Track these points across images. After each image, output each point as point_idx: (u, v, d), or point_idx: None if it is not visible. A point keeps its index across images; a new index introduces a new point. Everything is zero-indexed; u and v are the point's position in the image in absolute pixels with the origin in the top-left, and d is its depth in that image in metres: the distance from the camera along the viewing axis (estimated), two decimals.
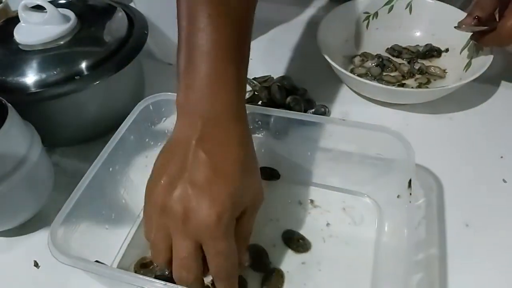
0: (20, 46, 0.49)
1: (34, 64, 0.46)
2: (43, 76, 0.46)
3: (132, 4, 0.58)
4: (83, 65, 0.47)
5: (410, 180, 0.35)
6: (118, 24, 0.52)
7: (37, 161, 0.41)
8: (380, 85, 0.50)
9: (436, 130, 0.51)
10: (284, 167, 0.46)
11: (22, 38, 0.49)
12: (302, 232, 0.41)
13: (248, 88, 0.57)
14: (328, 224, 0.42)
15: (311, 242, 0.41)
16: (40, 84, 0.45)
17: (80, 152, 0.51)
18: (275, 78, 0.59)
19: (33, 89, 0.45)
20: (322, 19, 0.58)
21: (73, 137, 0.52)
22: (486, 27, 0.49)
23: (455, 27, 0.52)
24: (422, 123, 0.52)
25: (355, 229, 0.42)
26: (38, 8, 0.50)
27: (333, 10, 0.59)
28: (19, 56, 0.48)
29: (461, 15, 0.53)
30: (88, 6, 0.55)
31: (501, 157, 0.47)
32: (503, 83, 0.56)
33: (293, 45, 0.66)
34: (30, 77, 0.45)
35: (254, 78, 0.59)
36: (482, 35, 0.50)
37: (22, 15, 0.49)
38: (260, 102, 0.56)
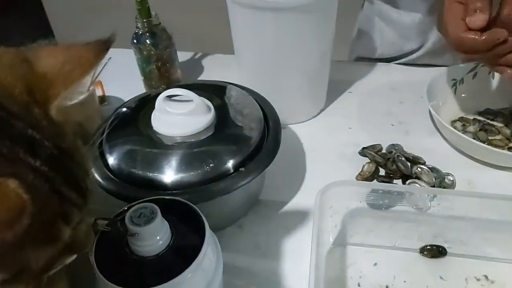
0: (160, 137, 0.47)
1: (188, 159, 0.45)
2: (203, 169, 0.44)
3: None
4: (235, 159, 0.45)
5: None
6: (251, 109, 0.52)
7: (221, 278, 0.39)
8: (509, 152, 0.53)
9: None
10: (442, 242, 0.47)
11: (163, 129, 0.47)
12: None
13: (367, 160, 0.58)
14: None
15: None
16: (204, 179, 0.44)
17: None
18: (383, 146, 0.61)
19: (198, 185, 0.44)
20: (428, 85, 0.61)
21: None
22: None
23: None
24: None
25: None
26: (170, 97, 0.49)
27: (433, 76, 0.63)
28: (165, 150, 0.46)
29: None
30: (208, 88, 0.55)
31: None
32: None
33: (380, 111, 0.68)
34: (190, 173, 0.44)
35: (364, 148, 0.60)
36: None
37: (162, 106, 0.48)
38: (383, 173, 0.57)
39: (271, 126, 0.50)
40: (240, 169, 0.44)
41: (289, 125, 0.66)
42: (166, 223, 0.35)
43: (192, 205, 0.38)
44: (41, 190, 0.20)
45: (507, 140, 0.60)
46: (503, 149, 0.58)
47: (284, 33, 0.55)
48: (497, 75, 0.66)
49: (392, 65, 0.78)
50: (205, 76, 0.79)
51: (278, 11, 0.52)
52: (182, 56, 0.79)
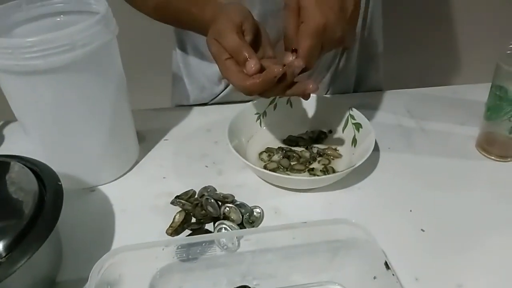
0: None
1: None
2: None
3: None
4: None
5: (386, 262, 0.40)
6: (21, 179, 0.46)
7: None
8: (308, 178, 0.57)
9: (352, 202, 0.59)
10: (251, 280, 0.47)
11: None
12: None
13: (178, 209, 0.56)
14: None
15: None
16: None
17: None
18: (197, 190, 0.60)
19: None
20: (229, 125, 0.63)
21: None
22: None
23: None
24: (342, 199, 0.59)
25: None
26: None
27: (235, 115, 0.65)
28: None
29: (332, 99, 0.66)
30: None
31: (410, 211, 0.57)
32: (380, 147, 0.68)
33: (196, 155, 0.68)
34: None
35: (177, 197, 0.58)
36: None
37: None
38: (194, 220, 0.55)
39: (47, 200, 0.45)
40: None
41: (99, 186, 0.61)
42: None
43: None
44: None
45: (307, 163, 0.64)
46: (303, 172, 0.62)
47: (58, 95, 0.52)
48: (294, 104, 0.71)
49: (207, 106, 0.80)
50: (7, 145, 0.71)
51: (39, 75, 0.48)
52: None
